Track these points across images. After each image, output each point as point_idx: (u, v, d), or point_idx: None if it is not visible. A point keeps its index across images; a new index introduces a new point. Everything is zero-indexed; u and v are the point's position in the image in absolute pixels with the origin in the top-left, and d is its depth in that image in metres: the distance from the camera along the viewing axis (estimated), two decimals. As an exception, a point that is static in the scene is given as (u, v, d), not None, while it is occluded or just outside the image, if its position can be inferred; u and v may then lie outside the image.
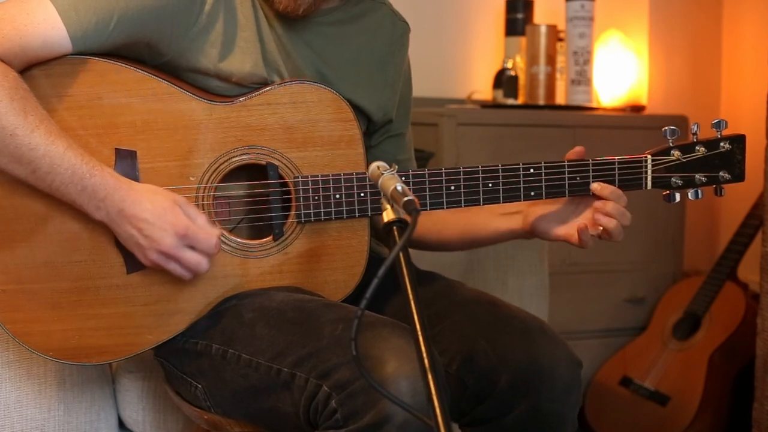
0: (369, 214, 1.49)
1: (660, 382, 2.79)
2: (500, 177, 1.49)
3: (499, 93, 2.98)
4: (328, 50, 1.56)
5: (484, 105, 3.02)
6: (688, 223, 3.07)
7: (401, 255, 1.07)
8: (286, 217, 1.49)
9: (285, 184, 1.48)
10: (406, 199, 1.11)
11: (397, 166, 1.24)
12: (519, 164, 1.50)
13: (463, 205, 1.49)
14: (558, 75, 3.01)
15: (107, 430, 1.82)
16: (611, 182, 1.50)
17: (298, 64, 1.53)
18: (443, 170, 1.48)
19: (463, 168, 1.48)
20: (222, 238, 1.44)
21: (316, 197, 1.48)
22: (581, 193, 1.52)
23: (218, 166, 1.45)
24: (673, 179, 1.53)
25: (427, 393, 0.99)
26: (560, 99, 3.04)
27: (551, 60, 2.95)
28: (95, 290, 1.43)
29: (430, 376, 1.00)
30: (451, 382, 1.47)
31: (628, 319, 2.98)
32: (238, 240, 1.48)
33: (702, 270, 3.01)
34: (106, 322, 1.44)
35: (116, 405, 1.85)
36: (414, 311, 1.05)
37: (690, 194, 1.54)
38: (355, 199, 1.48)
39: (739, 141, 1.53)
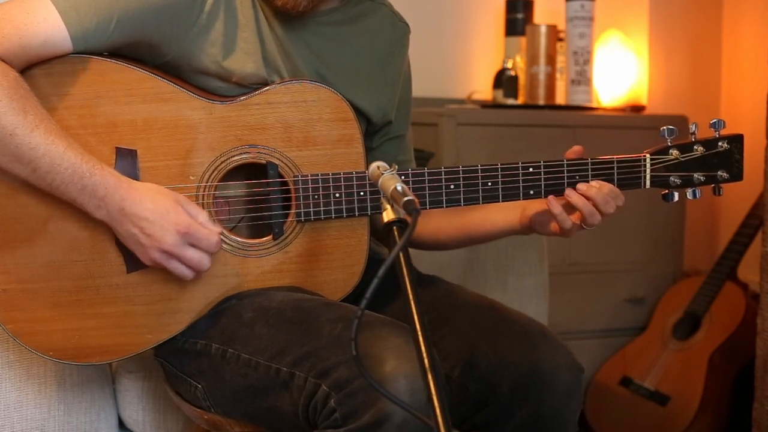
0: (369, 213, 1.50)
1: (660, 382, 2.79)
2: (499, 176, 1.49)
3: (499, 93, 2.98)
4: (328, 51, 1.56)
5: (484, 105, 3.02)
6: (688, 223, 3.07)
7: (401, 255, 1.08)
8: (286, 216, 1.49)
9: (285, 184, 1.48)
10: (406, 199, 1.11)
11: (396, 166, 1.24)
12: (518, 163, 1.50)
13: (462, 204, 1.49)
14: (558, 75, 3.01)
15: (107, 430, 1.82)
16: (610, 181, 1.51)
17: (297, 65, 1.53)
18: (443, 170, 1.48)
19: (462, 167, 1.49)
20: (222, 238, 1.44)
21: (316, 196, 1.48)
22: (581, 193, 1.52)
23: (218, 166, 1.46)
24: (671, 178, 1.53)
25: (427, 393, 0.99)
26: (560, 99, 3.04)
27: (551, 60, 2.95)
28: (95, 290, 1.43)
29: (429, 376, 1.00)
30: (453, 388, 1.47)
31: (628, 319, 2.98)
32: (238, 239, 1.48)
33: (702, 270, 3.01)
34: (107, 322, 1.44)
35: (116, 405, 1.85)
36: (414, 311, 1.05)
37: (688, 194, 1.54)
38: (355, 198, 1.48)
39: (737, 141, 1.53)
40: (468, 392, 1.47)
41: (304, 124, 1.48)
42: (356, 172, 1.48)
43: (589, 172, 1.51)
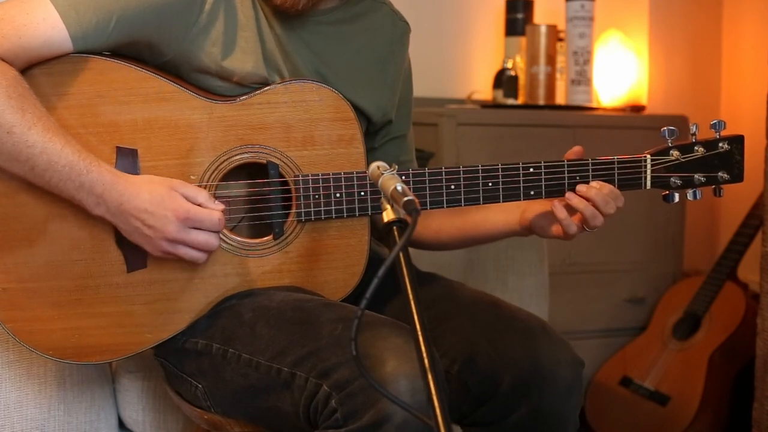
0: (369, 213, 1.50)
1: (660, 382, 2.79)
2: (500, 176, 1.49)
3: (499, 93, 2.98)
4: (328, 50, 1.56)
5: (484, 105, 3.02)
6: (688, 223, 3.07)
7: (401, 255, 1.08)
8: (287, 216, 1.49)
9: (285, 183, 1.48)
10: (406, 199, 1.11)
11: (397, 166, 1.24)
12: (519, 164, 1.50)
13: (463, 204, 1.49)
14: (558, 75, 3.01)
15: (107, 430, 1.82)
16: (611, 181, 1.50)
17: (297, 64, 1.52)
18: (443, 170, 1.48)
19: (462, 167, 1.49)
20: (222, 237, 1.44)
21: (317, 196, 1.48)
22: (581, 193, 1.51)
23: (219, 165, 1.45)
24: (672, 179, 1.53)
25: (427, 393, 0.99)
26: (560, 99, 3.04)
27: (551, 60, 2.95)
28: (95, 289, 1.43)
29: (429, 376, 1.00)
30: (453, 384, 1.47)
31: (628, 319, 2.98)
32: (239, 239, 1.48)
33: (702, 270, 3.01)
34: (106, 321, 1.44)
35: (116, 405, 1.85)
36: (414, 311, 1.05)
37: (689, 194, 1.54)
38: (356, 198, 1.48)
39: (737, 141, 1.53)
40: (468, 389, 1.47)
41: (304, 124, 1.48)
42: (357, 172, 1.48)
43: (590, 173, 1.50)
